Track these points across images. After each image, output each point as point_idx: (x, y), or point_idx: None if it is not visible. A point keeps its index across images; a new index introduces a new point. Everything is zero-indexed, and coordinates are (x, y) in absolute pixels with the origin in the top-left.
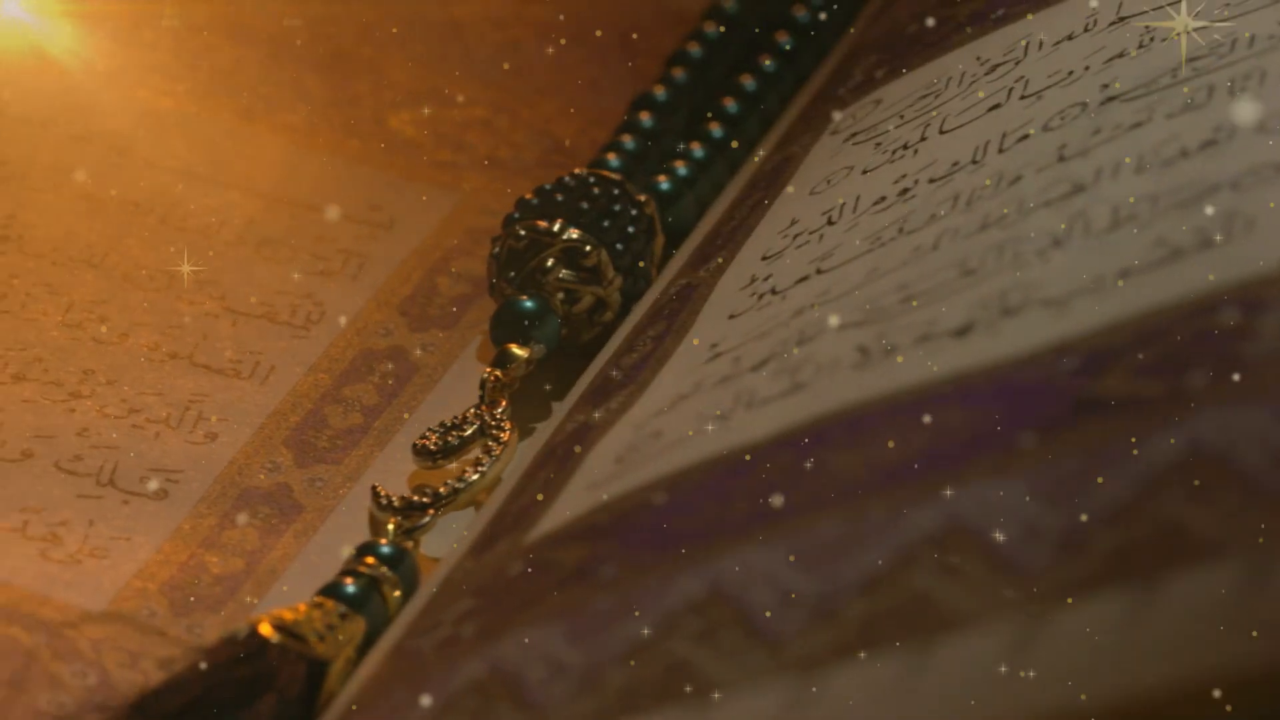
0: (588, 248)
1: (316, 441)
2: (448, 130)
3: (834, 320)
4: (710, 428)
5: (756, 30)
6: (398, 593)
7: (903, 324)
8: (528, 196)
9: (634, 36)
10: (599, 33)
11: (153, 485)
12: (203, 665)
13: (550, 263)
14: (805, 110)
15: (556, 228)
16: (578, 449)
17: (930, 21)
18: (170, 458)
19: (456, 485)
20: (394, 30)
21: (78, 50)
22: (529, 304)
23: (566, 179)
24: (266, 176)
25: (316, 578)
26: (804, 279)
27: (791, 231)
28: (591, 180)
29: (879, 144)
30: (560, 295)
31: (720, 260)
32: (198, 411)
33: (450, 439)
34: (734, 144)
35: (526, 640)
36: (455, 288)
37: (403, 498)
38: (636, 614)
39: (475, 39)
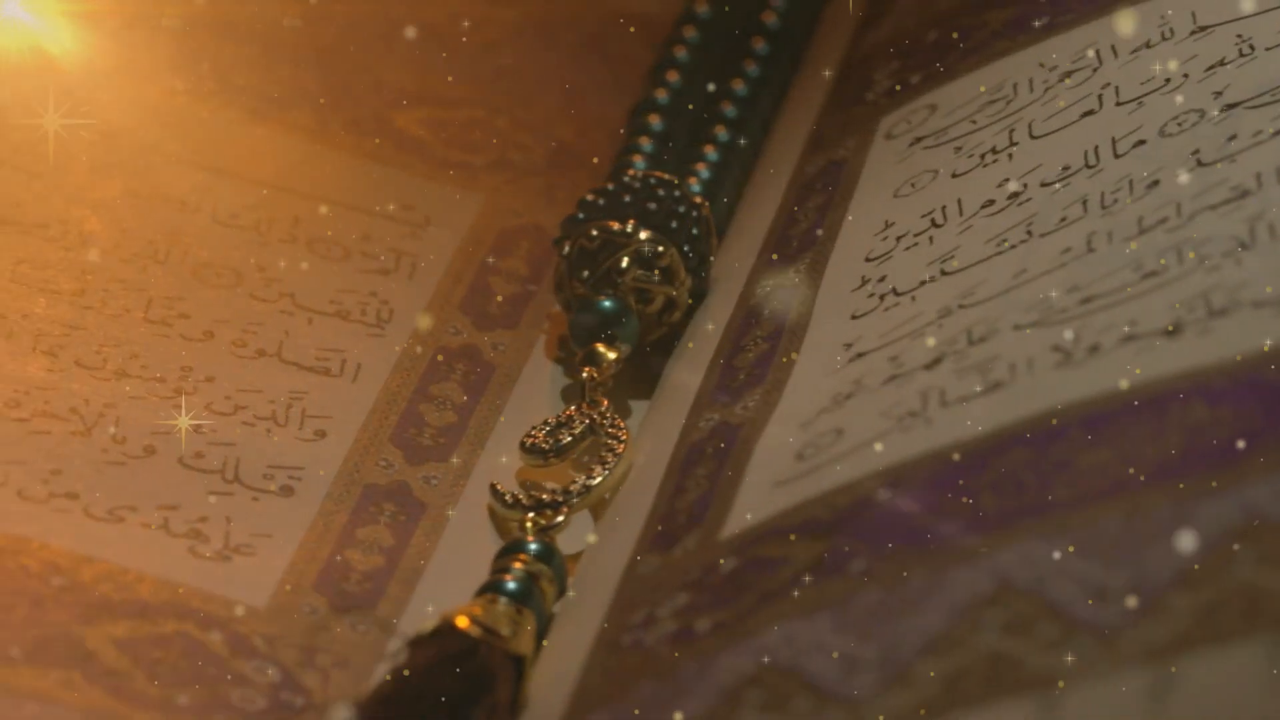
0: (661, 248)
1: (419, 439)
2: (453, 131)
3: (1004, 321)
4: (908, 425)
5: (734, 34)
6: (553, 588)
7: (1096, 324)
8: (589, 197)
9: (603, 39)
10: (570, 36)
11: (277, 482)
12: (420, 667)
13: (625, 263)
14: (827, 114)
15: (630, 228)
16: (723, 445)
17: (955, 30)
18: (286, 455)
19: (588, 483)
20: (385, 31)
21: (78, 50)
22: (609, 304)
23: (627, 179)
24: (296, 175)
25: (458, 575)
26: (929, 280)
27: (890, 234)
28: (653, 181)
29: (959, 148)
30: (632, 296)
31: (809, 262)
32: (300, 409)
33: (561, 437)
34: (742, 143)
35: (791, 633)
36: (507, 287)
37: (530, 495)
38: (922, 607)
39: (454, 40)
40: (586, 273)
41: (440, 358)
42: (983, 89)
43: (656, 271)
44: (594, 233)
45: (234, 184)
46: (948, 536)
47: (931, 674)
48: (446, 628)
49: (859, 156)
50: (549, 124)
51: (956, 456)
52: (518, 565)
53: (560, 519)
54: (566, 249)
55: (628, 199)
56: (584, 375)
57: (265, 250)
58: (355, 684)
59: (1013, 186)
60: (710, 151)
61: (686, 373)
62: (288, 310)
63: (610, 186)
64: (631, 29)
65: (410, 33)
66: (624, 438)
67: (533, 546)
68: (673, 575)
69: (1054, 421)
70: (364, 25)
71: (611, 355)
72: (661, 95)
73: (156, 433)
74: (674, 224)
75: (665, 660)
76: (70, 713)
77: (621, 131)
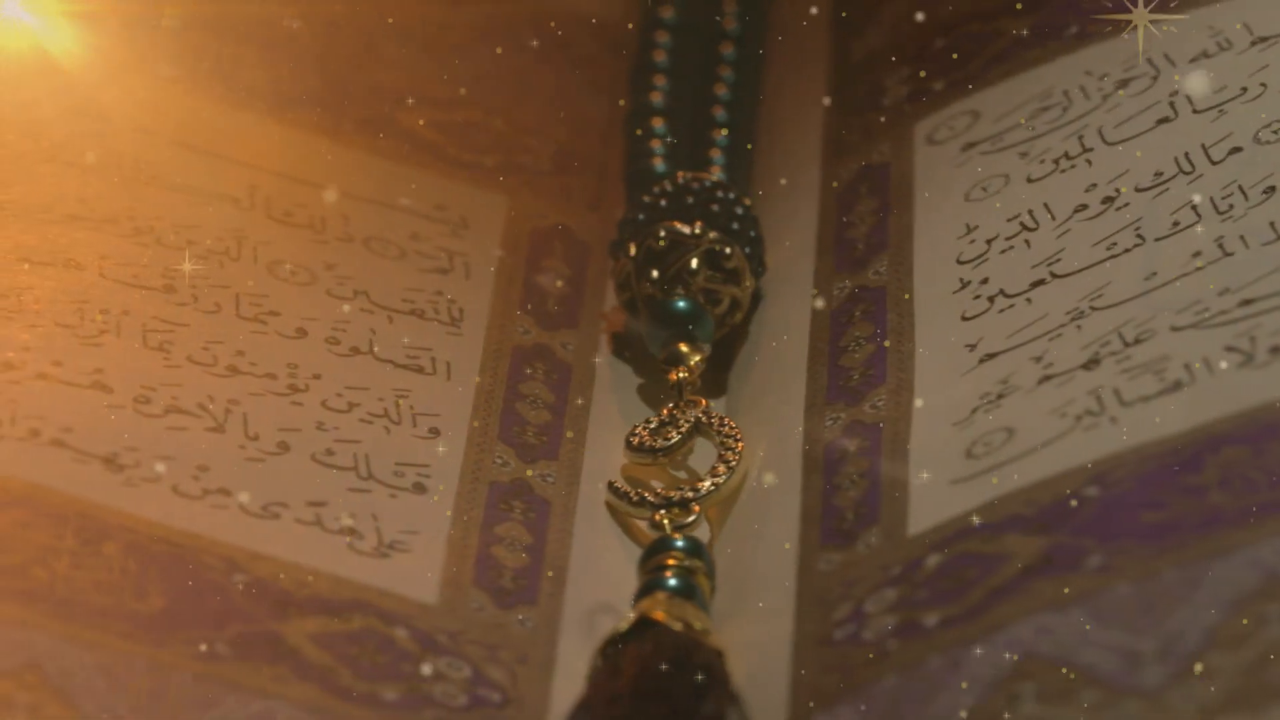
0: (728, 249)
1: (525, 437)
2: (455, 132)
3: (1157, 323)
4: (1090, 424)
5: (701, 39)
6: (708, 583)
7: (1268, 326)
8: (647, 199)
9: (565, 42)
10: (532, 38)
11: (409, 480)
12: (644, 665)
13: (695, 264)
14: (839, 120)
15: (698, 229)
16: (868, 443)
17: (968, 38)
18: (409, 452)
19: (716, 481)
20: (366, 32)
21: (78, 50)
22: (684, 304)
23: (682, 181)
24: (329, 173)
25: (600, 571)
26: (1041, 283)
27: (977, 237)
28: (709, 184)
29: (1024, 154)
30: (700, 296)
31: (890, 264)
32: (409, 407)
33: (669, 435)
34: (749, 147)
35: (1044, 626)
36: (556, 287)
37: (656, 494)
38: (1191, 601)
39: (430, 41)
40: (656, 273)
41: (518, 358)
42: (1029, 96)
43: (721, 273)
44: (662, 234)
45: (277, 182)
46: (1191, 531)
47: (1226, 666)
48: (660, 627)
49: (902, 161)
50: (543, 125)
51: (1161, 454)
52: (672, 562)
53: (692, 518)
54: (633, 250)
55: (690, 200)
56: (675, 376)
57: (327, 249)
58: (542, 680)
59: (1104, 191)
60: (716, 155)
61: (776, 372)
62: (367, 309)
63: (668, 188)
64: (589, 31)
65: (389, 34)
66: (739, 436)
67: (680, 543)
68: (865, 571)
69: (1266, 420)
70: (348, 25)
71: (697, 354)
72: (657, 99)
73: (285, 429)
74: (735, 225)
75: (902, 655)
76: (293, 708)
77: (620, 134)
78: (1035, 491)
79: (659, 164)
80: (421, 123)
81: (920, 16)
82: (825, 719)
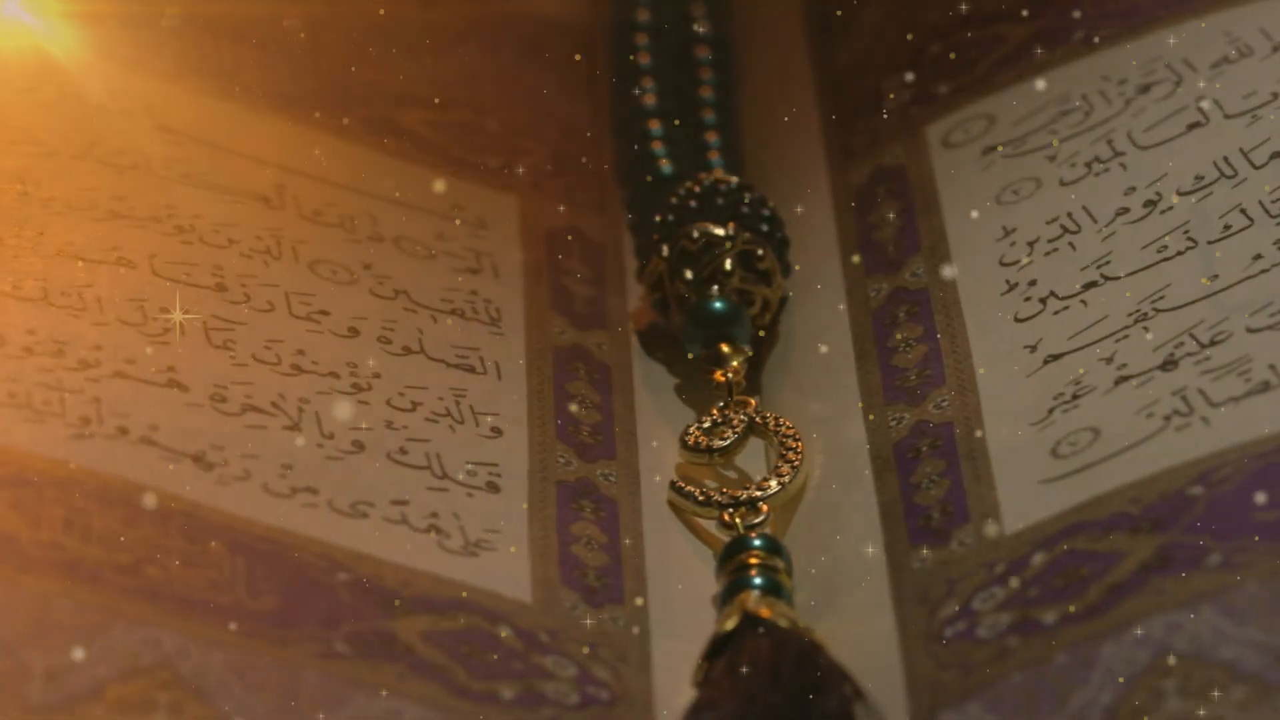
0: (760, 251)
1: (581, 437)
2: (453, 133)
3: (1232, 324)
4: (1181, 424)
5: (676, 42)
6: (789, 581)
7: None
8: (674, 200)
9: (534, 44)
10: (503, 40)
11: (481, 479)
12: (762, 663)
13: (729, 265)
14: (841, 124)
15: (731, 231)
16: (941, 442)
17: (965, 43)
18: (478, 451)
19: (782, 481)
20: (360, 31)
21: (78, 50)
22: (722, 305)
23: (709, 182)
24: (345, 172)
25: (677, 570)
26: (1093, 285)
27: (1017, 239)
28: (735, 185)
29: (1051, 157)
30: (734, 297)
31: (927, 265)
32: (468, 406)
33: (725, 435)
34: (742, 148)
35: (1176, 623)
36: (581, 288)
37: (722, 493)
38: None
39: (413, 42)
40: (689, 274)
41: (560, 358)
42: (1045, 100)
43: (753, 274)
44: (695, 234)
45: (300, 180)
46: None
47: None
48: (769, 624)
49: (919, 164)
50: (534, 127)
51: (1265, 454)
52: (755, 561)
53: (762, 517)
54: (665, 251)
55: (720, 202)
56: (721, 376)
57: (360, 248)
58: (643, 678)
59: (1145, 195)
60: (715, 158)
61: (821, 373)
62: (410, 308)
63: (696, 189)
64: (555, 34)
65: (373, 34)
66: (798, 435)
67: (758, 542)
68: (966, 569)
69: None
70: (335, 25)
71: (739, 355)
72: (650, 101)
73: (356, 428)
74: (765, 227)
75: (1025, 652)
76: (419, 707)
77: (611, 136)
78: (1138, 490)
79: (665, 166)
80: (420, 123)
81: (910, 21)
82: (954, 715)
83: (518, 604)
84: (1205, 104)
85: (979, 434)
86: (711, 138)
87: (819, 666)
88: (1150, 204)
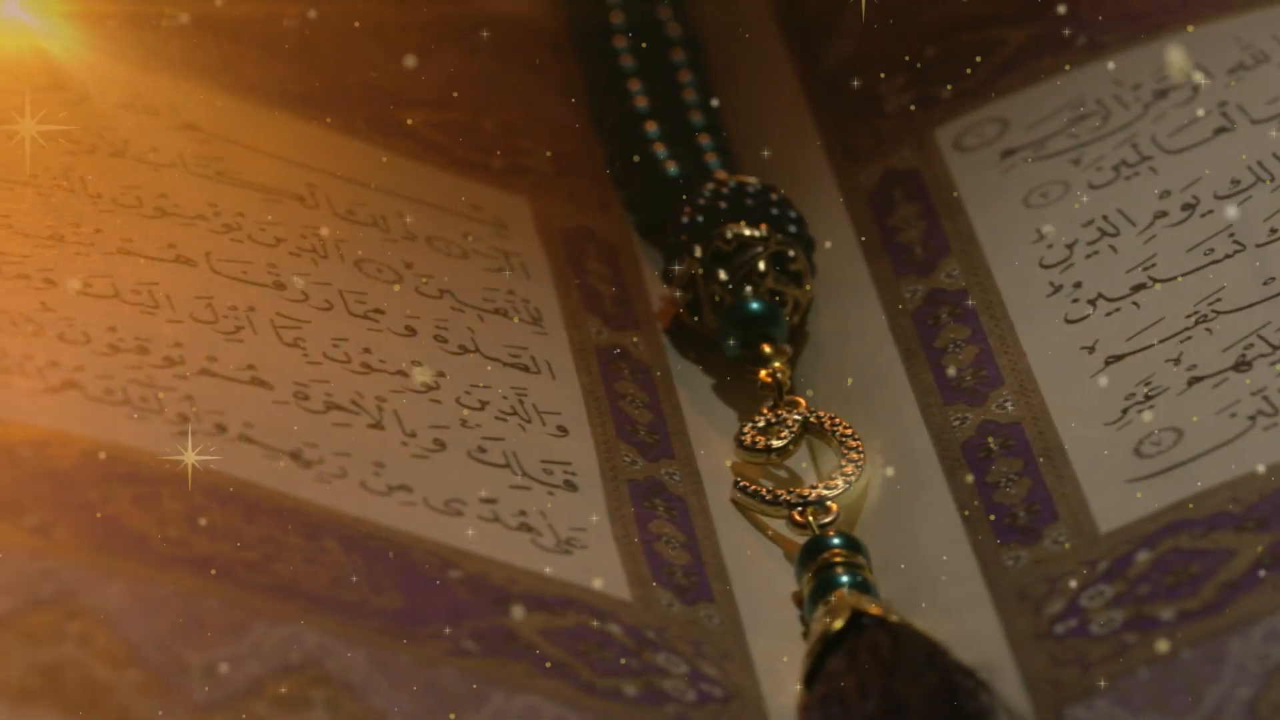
0: (791, 252)
1: (639, 436)
2: (453, 134)
3: None
4: (1268, 424)
5: (651, 45)
6: (871, 578)
7: None
8: (701, 200)
9: (509, 45)
10: (478, 41)
11: (558, 477)
12: (886, 661)
13: (762, 266)
14: (840, 127)
15: (764, 232)
16: (1012, 442)
17: (962, 46)
18: (549, 450)
19: (849, 480)
20: (348, 32)
21: (78, 50)
22: (759, 305)
23: (735, 184)
24: (366, 172)
25: (757, 568)
26: (1141, 286)
27: (1055, 241)
28: (761, 187)
29: (1075, 161)
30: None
31: (963, 267)
32: (532, 405)
33: (782, 435)
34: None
35: None
36: (606, 288)
37: (791, 492)
38: None
39: (397, 43)
40: (724, 275)
41: (603, 358)
42: (1059, 104)
43: (785, 275)
44: (729, 235)
45: (327, 179)
46: None
47: None
48: (884, 621)
49: (933, 166)
50: (527, 128)
51: None
52: (839, 559)
53: (832, 517)
54: (699, 252)
55: (750, 203)
56: (767, 376)
57: (396, 247)
58: (748, 675)
59: (1181, 199)
60: (712, 160)
61: (865, 373)
62: (456, 307)
63: (724, 190)
64: (526, 35)
65: (362, 35)
66: (857, 434)
67: (836, 540)
68: (1066, 567)
69: None
70: (326, 25)
71: (780, 354)
72: (643, 103)
73: (435, 426)
74: (793, 228)
75: (1145, 648)
76: (554, 704)
77: (601, 137)
78: (1235, 490)
79: (672, 168)
80: (422, 124)
81: (898, 24)
82: (1082, 710)
83: (619, 601)
84: (1229, 109)
85: (1050, 434)
86: (704, 139)
87: (949, 662)
88: (1189, 207)
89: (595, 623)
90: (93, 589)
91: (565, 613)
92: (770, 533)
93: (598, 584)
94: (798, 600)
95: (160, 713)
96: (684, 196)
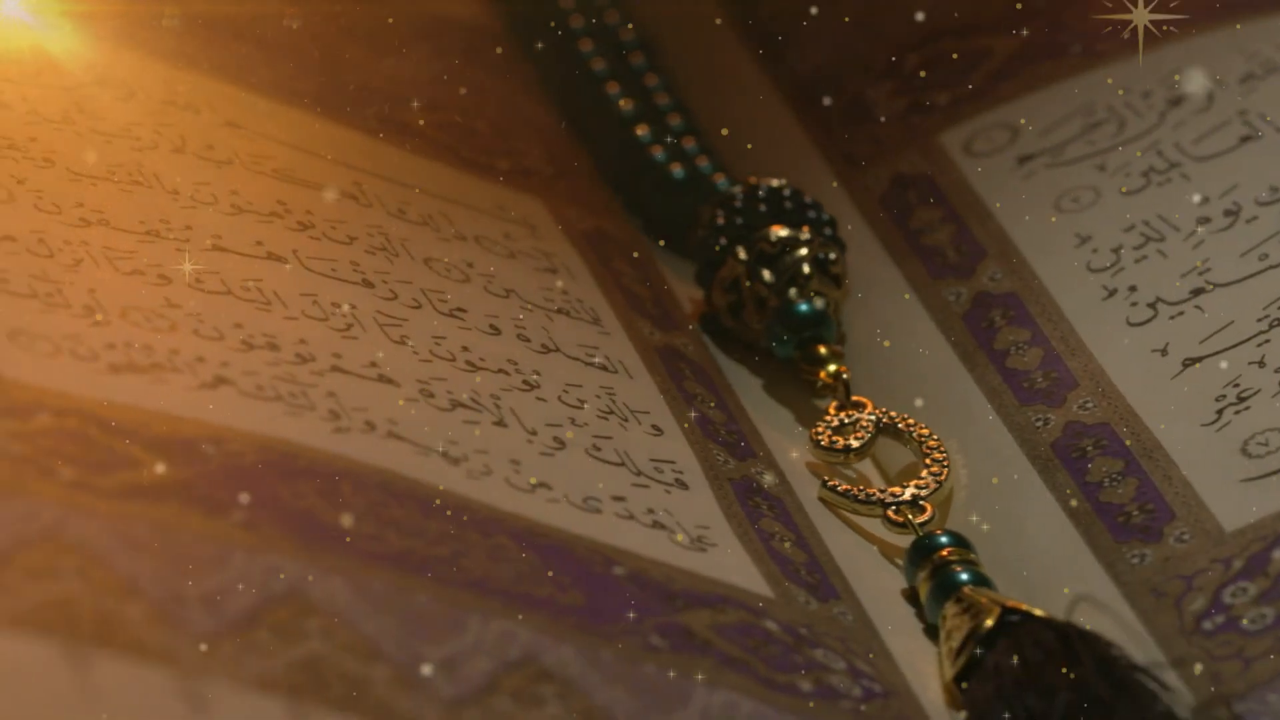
0: (833, 254)
1: (719, 435)
2: (453, 134)
3: None
4: None
5: (614, 49)
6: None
7: None
8: (736, 203)
9: (469, 47)
10: (443, 43)
11: (668, 476)
12: (1057, 655)
13: (806, 268)
14: (833, 133)
15: (807, 234)
16: (1105, 442)
17: (945, 55)
18: (652, 449)
19: (939, 481)
20: (333, 32)
21: (78, 50)
22: (808, 307)
23: (768, 187)
24: (399, 170)
25: (860, 564)
26: (1200, 290)
27: (1099, 246)
28: (792, 190)
29: (1101, 167)
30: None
31: (1006, 271)
32: (622, 404)
33: (859, 435)
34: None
35: None
36: (642, 289)
37: (884, 491)
38: None
39: (379, 44)
40: (769, 276)
41: (662, 358)
42: (1068, 111)
43: (825, 276)
44: (773, 238)
45: (369, 179)
46: None
47: None
48: (1037, 616)
49: (947, 171)
50: (514, 129)
51: None
52: (955, 557)
53: (928, 516)
54: (743, 254)
55: (788, 206)
56: (827, 377)
57: (452, 246)
58: (894, 671)
59: (1221, 205)
60: (704, 163)
61: (922, 374)
62: (525, 306)
63: (760, 192)
64: (478, 37)
65: (346, 35)
66: (934, 434)
67: (944, 539)
68: (1198, 565)
69: None
70: (312, 25)
71: (835, 355)
72: (627, 106)
73: (550, 424)
74: (828, 230)
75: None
76: (751, 701)
77: (581, 139)
78: None
79: (676, 170)
80: (422, 123)
81: (874, 32)
82: (1254, 705)
83: (765, 598)
84: (1252, 118)
85: (1144, 434)
86: (689, 143)
87: (1125, 657)
88: (1231, 214)
89: (753, 619)
90: (317, 585)
91: (725, 609)
92: (863, 531)
93: (738, 581)
94: (907, 596)
95: (415, 707)
96: (700, 199)
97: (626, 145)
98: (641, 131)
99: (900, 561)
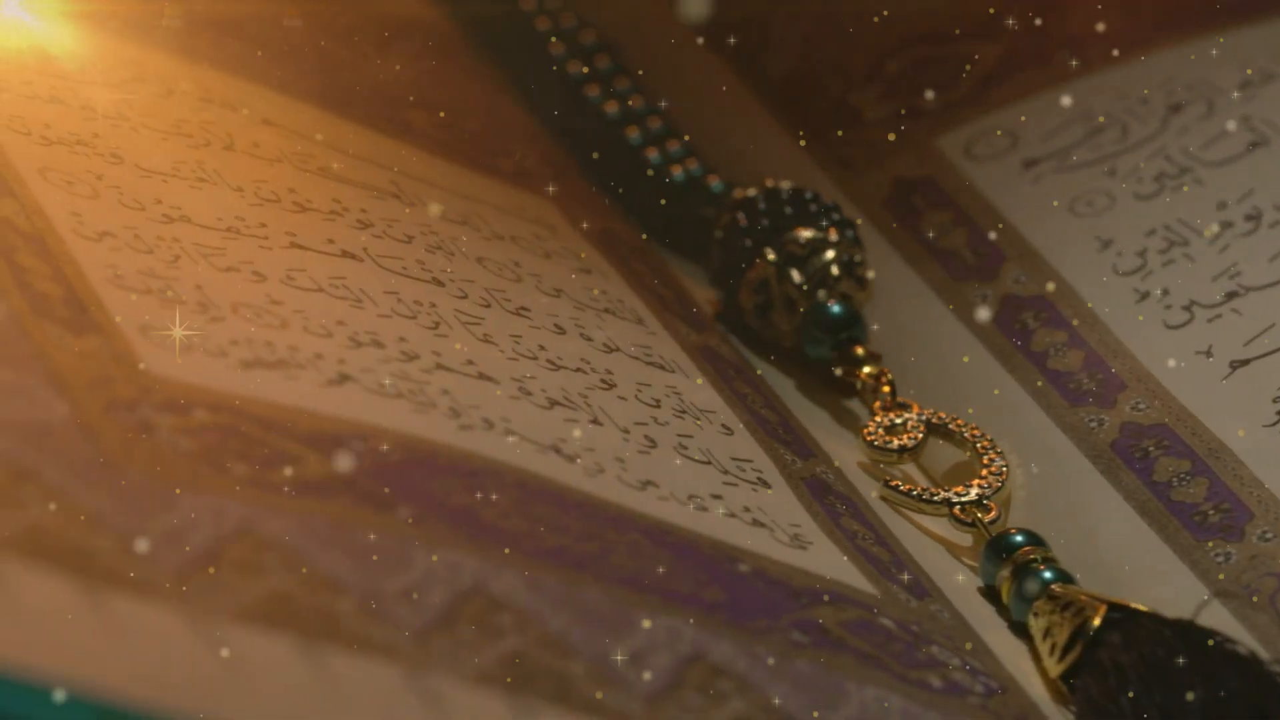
0: (859, 256)
1: (780, 435)
2: (452, 135)
3: None
4: None
5: (580, 52)
6: None
7: None
8: (760, 205)
9: (431, 46)
10: (410, 45)
11: (749, 475)
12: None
13: (835, 270)
14: (820, 137)
15: (835, 236)
16: (1166, 443)
17: (926, 60)
18: (729, 449)
19: (1000, 481)
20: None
21: (78, 50)
22: (841, 308)
23: (789, 189)
24: (424, 170)
25: (933, 563)
26: (1234, 294)
27: (1122, 250)
28: (813, 193)
29: (1111, 172)
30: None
31: (1030, 275)
32: (692, 403)
33: (913, 435)
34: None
35: None
36: (665, 290)
37: (946, 491)
38: None
39: (362, 43)
40: (798, 277)
41: (706, 358)
42: (1067, 117)
43: (850, 277)
44: (802, 239)
45: (404, 179)
46: None
47: None
48: (1145, 612)
49: (949, 176)
50: (501, 130)
51: None
52: (1032, 555)
53: (994, 515)
54: (772, 255)
55: (814, 209)
56: (867, 377)
57: (493, 246)
58: (997, 667)
59: (1241, 209)
60: (694, 165)
61: (956, 375)
62: (578, 306)
63: (784, 195)
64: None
65: (335, 34)
66: (986, 433)
67: (1019, 538)
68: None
69: None
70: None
71: (874, 359)
72: (613, 108)
73: (637, 423)
74: (849, 232)
75: None
76: (898, 698)
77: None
78: None
79: (677, 172)
80: (427, 124)
81: (845, 38)
82: None
83: (872, 596)
84: (1257, 124)
85: (1204, 434)
86: (674, 146)
87: (1247, 652)
88: (1252, 219)
89: (870, 616)
90: (497, 581)
91: (845, 607)
92: (928, 530)
93: (843, 578)
94: (984, 594)
95: (619, 702)
96: (702, 202)
97: (618, 148)
98: (632, 133)
99: (967, 560)
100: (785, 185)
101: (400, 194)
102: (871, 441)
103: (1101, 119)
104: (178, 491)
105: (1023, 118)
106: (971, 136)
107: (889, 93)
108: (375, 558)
